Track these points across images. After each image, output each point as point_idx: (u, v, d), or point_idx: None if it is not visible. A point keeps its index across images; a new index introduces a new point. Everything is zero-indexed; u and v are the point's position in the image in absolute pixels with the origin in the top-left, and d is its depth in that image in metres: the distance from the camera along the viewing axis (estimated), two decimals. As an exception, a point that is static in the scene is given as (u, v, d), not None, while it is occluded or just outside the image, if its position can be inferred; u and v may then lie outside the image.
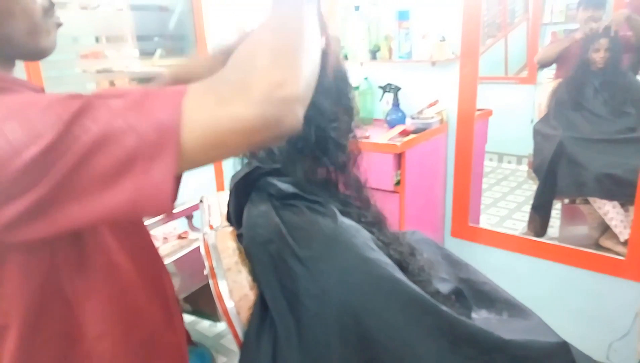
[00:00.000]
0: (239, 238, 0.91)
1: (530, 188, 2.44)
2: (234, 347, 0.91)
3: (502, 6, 2.65)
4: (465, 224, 2.10)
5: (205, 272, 0.90)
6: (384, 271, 0.82)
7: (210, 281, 0.89)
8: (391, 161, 1.76)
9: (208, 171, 2.32)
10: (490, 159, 2.79)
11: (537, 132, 2.24)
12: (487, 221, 2.53)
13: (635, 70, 2.07)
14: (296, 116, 0.47)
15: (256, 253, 0.85)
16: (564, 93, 2.17)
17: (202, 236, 0.92)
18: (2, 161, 0.42)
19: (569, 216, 2.26)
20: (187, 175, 0.59)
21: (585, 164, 2.02)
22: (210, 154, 0.48)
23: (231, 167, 0.97)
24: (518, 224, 2.51)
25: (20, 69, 0.87)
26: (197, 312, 1.99)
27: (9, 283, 0.53)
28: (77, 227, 0.47)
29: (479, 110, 1.98)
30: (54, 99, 0.45)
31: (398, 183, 1.81)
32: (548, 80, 2.30)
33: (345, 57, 2.16)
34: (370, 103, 2.26)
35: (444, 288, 0.99)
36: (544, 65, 2.32)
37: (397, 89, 2.04)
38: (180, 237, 1.70)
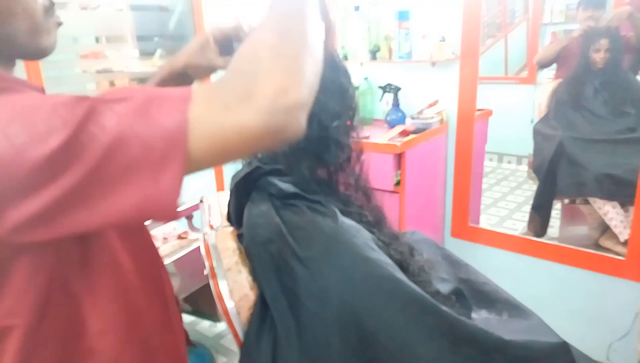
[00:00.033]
0: (240, 238, 0.91)
1: (530, 188, 2.43)
2: (234, 347, 0.91)
3: (502, 6, 2.65)
4: (465, 224, 2.10)
5: (206, 272, 0.90)
6: (385, 271, 0.82)
7: (211, 282, 0.89)
8: (391, 161, 1.76)
9: (208, 171, 2.31)
10: (490, 159, 2.79)
11: (537, 133, 2.24)
12: (487, 221, 2.53)
13: (635, 70, 2.07)
14: (299, 123, 0.48)
15: (256, 253, 0.85)
16: (564, 93, 2.17)
17: (202, 236, 0.92)
18: (6, 164, 0.42)
19: (569, 216, 2.26)
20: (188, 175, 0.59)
21: (585, 164, 2.02)
22: (216, 160, 0.48)
23: (231, 167, 0.97)
24: (518, 224, 2.51)
25: (20, 69, 0.87)
26: (197, 312, 1.99)
27: (16, 281, 0.54)
28: (83, 232, 0.47)
29: (479, 110, 1.97)
30: (58, 102, 0.45)
31: (398, 183, 1.81)
32: (548, 80, 2.30)
33: (345, 58, 2.16)
34: (370, 103, 2.26)
35: (444, 288, 0.99)
36: (543, 65, 2.32)
37: (397, 89, 2.04)
38: (180, 237, 1.70)
